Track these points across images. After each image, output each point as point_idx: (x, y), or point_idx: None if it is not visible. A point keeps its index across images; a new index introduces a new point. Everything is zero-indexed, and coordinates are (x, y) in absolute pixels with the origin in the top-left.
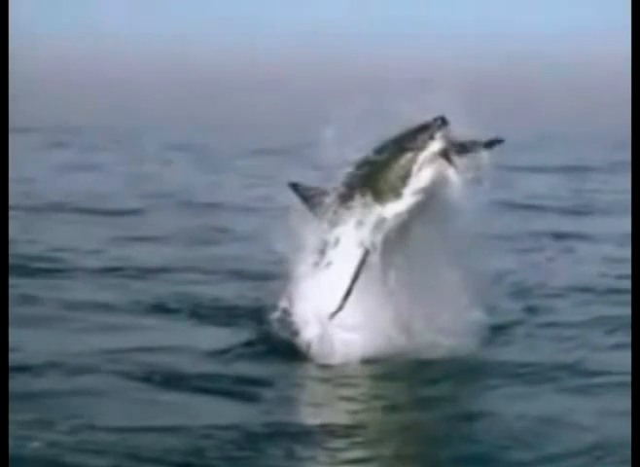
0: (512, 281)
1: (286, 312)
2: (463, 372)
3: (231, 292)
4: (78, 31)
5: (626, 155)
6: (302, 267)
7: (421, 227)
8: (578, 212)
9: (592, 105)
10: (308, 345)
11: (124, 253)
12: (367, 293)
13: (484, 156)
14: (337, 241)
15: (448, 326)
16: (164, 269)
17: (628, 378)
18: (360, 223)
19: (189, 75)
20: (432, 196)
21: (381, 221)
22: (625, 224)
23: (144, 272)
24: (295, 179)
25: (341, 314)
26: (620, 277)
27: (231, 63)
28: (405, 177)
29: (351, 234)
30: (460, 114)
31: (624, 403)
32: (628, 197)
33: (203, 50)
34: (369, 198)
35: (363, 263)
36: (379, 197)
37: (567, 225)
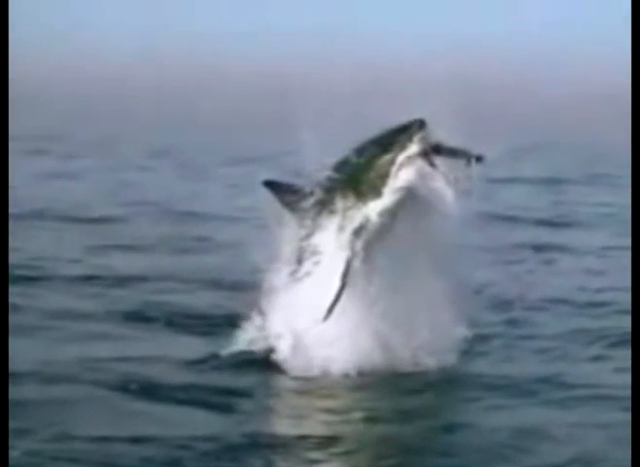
0: (492, 293)
1: (259, 325)
2: (442, 383)
3: (209, 301)
4: (58, 38)
5: (604, 167)
6: (277, 277)
7: (402, 240)
8: (557, 224)
9: (571, 118)
10: (283, 358)
11: (104, 261)
12: (345, 307)
13: (473, 167)
14: (316, 250)
15: (430, 341)
16: (143, 278)
17: (606, 391)
18: (341, 228)
19: (170, 83)
20: (413, 196)
21: (364, 221)
22: (605, 236)
23: (123, 281)
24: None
25: (319, 328)
26: (599, 290)
27: (213, 71)
28: (384, 177)
29: (332, 241)
30: (442, 122)
31: (603, 416)
32: (607, 209)
33: (183, 58)
34: (351, 198)
35: (349, 267)
36: (361, 196)
37: (547, 237)
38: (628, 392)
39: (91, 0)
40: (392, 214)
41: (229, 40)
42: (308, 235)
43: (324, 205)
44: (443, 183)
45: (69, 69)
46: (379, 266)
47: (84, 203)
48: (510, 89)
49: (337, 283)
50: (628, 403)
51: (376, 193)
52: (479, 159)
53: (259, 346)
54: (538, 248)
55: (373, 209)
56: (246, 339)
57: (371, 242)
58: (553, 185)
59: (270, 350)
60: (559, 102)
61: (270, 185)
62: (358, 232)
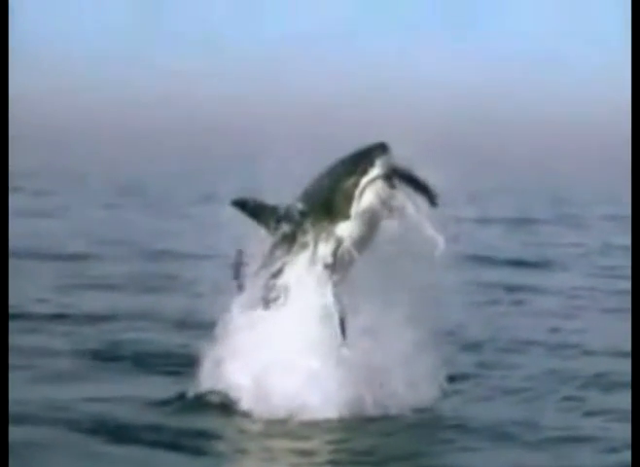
0: (464, 335)
1: (220, 366)
2: (415, 425)
3: (179, 341)
4: (26, 75)
5: (573, 208)
6: (240, 318)
7: (375, 281)
8: (528, 264)
9: (541, 160)
10: (247, 408)
11: (73, 300)
12: (314, 349)
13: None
14: (284, 288)
15: (402, 383)
16: (112, 317)
17: (579, 433)
18: (313, 261)
19: (140, 121)
20: (379, 218)
21: (336, 246)
22: (575, 277)
23: (91, 320)
24: (245, 226)
25: (280, 371)
26: (571, 332)
27: (182, 109)
28: (350, 199)
29: (303, 278)
30: (411, 160)
31: (576, 457)
32: (577, 249)
33: (153, 96)
34: (322, 221)
35: (336, 294)
36: (332, 217)
37: (518, 277)
38: (601, 434)
39: (61, 40)
40: (363, 241)
41: (196, 80)
42: (276, 274)
43: (293, 239)
44: (399, 196)
45: (40, 106)
46: (351, 307)
47: (54, 241)
48: (479, 129)
49: (336, 315)
50: (602, 445)
51: (344, 215)
52: (435, 198)
53: (221, 389)
54: (509, 288)
55: (343, 230)
56: (208, 381)
57: (343, 280)
58: (523, 225)
59: (232, 401)
60: (529, 143)
61: (240, 204)
62: (331, 265)
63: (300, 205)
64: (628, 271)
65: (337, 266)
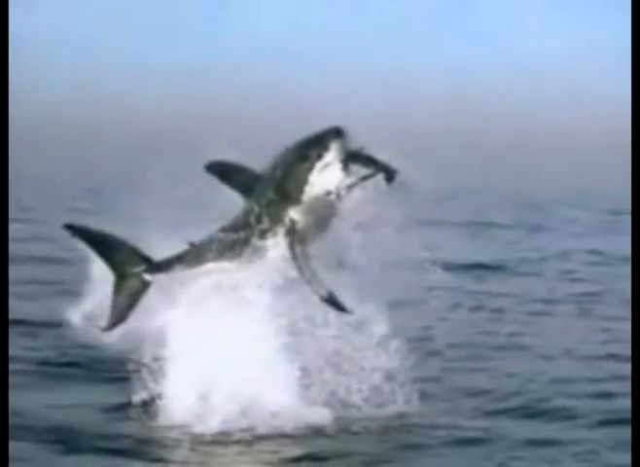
0: (427, 339)
1: (169, 371)
2: (381, 431)
3: (133, 346)
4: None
5: (534, 212)
6: (187, 319)
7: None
8: (487, 268)
9: (501, 164)
10: (194, 409)
11: (26, 305)
12: (257, 351)
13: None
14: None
15: (368, 390)
16: (65, 323)
17: (539, 436)
18: (267, 254)
19: (106, 127)
20: (334, 202)
21: (291, 229)
22: (534, 281)
23: (44, 326)
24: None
25: (232, 378)
26: (529, 336)
27: (147, 117)
28: (303, 184)
29: (259, 272)
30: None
31: (538, 461)
32: (536, 254)
33: (121, 101)
34: (278, 206)
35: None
36: (286, 202)
37: (477, 281)
38: (563, 437)
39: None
40: (318, 226)
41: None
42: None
43: (246, 241)
44: (351, 180)
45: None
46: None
47: (14, 244)
48: (439, 132)
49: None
50: (564, 450)
51: (298, 199)
52: (393, 173)
53: (170, 395)
54: (469, 293)
55: (296, 215)
56: (159, 387)
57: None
58: (483, 229)
59: (181, 408)
60: (489, 147)
61: (213, 168)
62: (291, 250)
63: (255, 206)
64: (586, 275)
65: (296, 253)
